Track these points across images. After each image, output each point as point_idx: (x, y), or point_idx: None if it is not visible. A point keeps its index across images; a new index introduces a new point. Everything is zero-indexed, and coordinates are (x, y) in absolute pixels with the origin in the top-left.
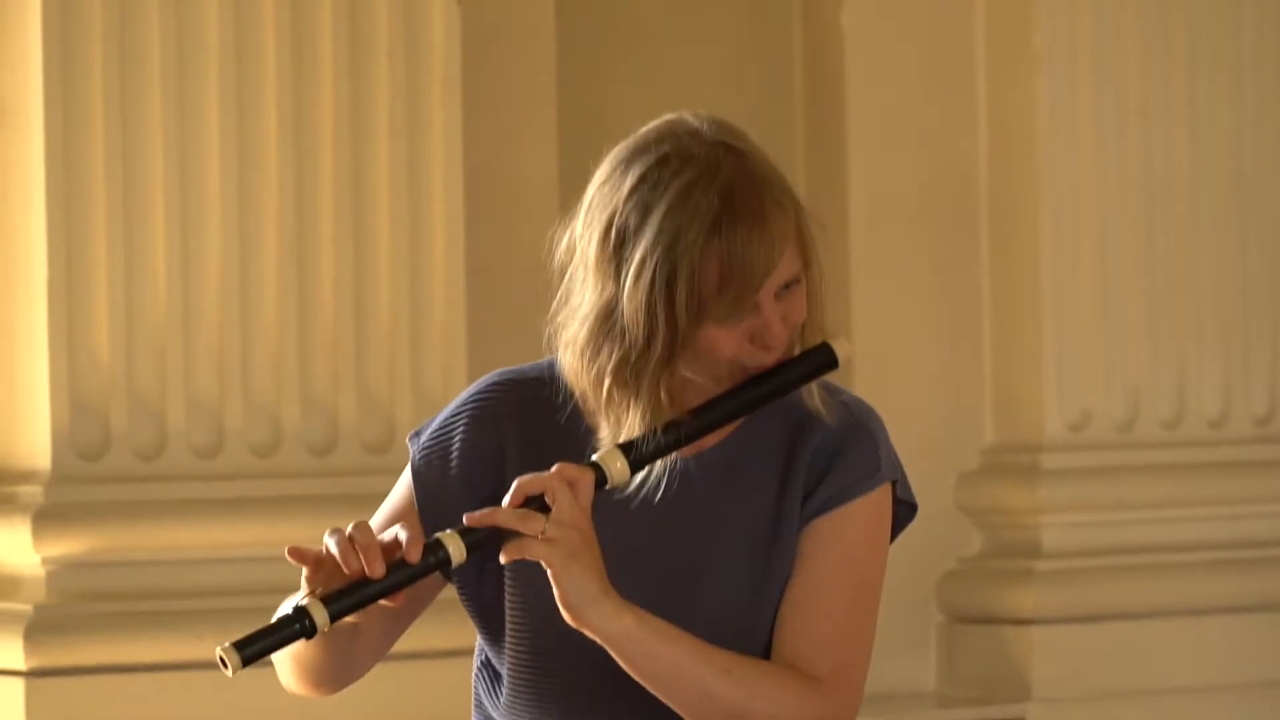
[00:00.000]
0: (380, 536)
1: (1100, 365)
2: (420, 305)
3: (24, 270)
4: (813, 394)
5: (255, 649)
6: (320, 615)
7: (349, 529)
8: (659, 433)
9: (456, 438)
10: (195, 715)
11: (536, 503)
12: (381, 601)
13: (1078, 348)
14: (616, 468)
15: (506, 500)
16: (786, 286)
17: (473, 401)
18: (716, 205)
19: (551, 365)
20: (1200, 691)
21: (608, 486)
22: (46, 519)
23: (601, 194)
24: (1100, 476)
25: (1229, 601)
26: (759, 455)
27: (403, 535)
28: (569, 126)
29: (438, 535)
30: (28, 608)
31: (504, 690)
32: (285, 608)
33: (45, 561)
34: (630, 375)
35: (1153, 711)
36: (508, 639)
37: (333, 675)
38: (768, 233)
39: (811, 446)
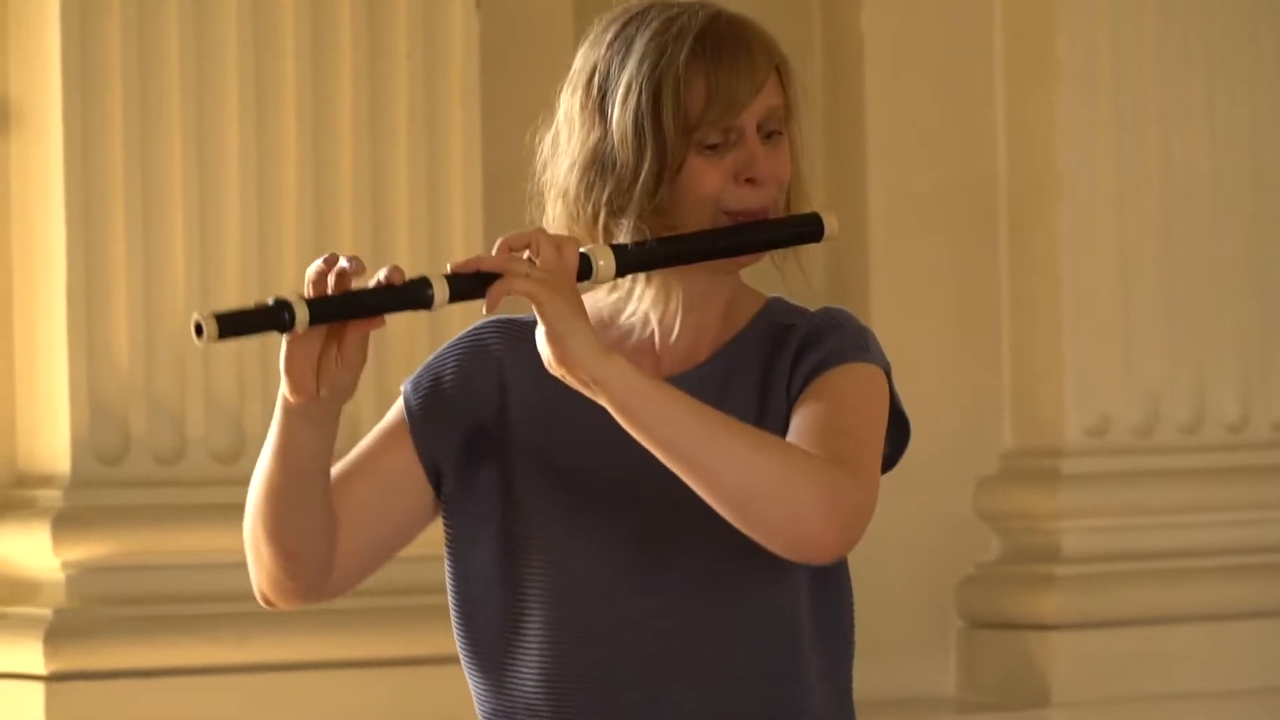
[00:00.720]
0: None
1: (1119, 370)
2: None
3: (43, 274)
4: (785, 308)
5: (235, 324)
6: (301, 311)
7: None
8: (650, 246)
9: (449, 368)
10: (214, 719)
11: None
12: (359, 328)
13: (1097, 353)
14: (601, 264)
15: (494, 252)
16: (768, 134)
17: (468, 337)
18: (700, 26)
19: None
20: (1220, 696)
21: (592, 278)
22: (66, 523)
23: (582, 56)
24: (1120, 481)
25: (1249, 606)
26: (744, 365)
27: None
28: None
29: (425, 274)
30: (47, 612)
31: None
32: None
33: (65, 565)
34: (623, 201)
35: (1172, 716)
36: (537, 611)
37: (304, 543)
38: (750, 58)
39: (793, 341)
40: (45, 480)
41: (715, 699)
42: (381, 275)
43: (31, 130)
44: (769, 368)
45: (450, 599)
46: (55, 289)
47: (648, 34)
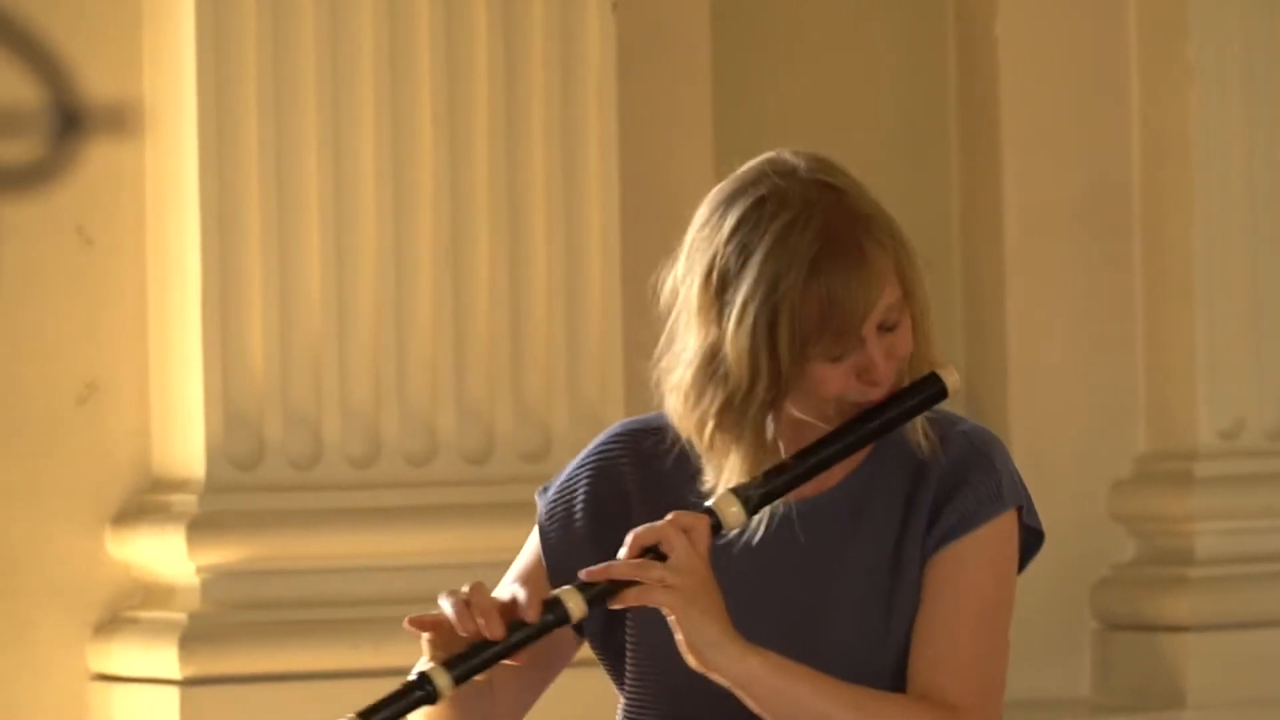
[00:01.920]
0: (501, 594)
1: (1252, 373)
2: (576, 314)
3: (178, 279)
4: (921, 433)
5: (379, 717)
6: (442, 680)
7: (465, 589)
8: (772, 476)
9: (580, 491)
10: None
11: (653, 553)
12: (505, 661)
13: (1230, 355)
14: (731, 512)
15: (623, 553)
16: (889, 323)
17: (596, 454)
18: (815, 246)
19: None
20: None
21: (723, 532)
22: (201, 528)
23: (701, 236)
24: (1253, 484)
25: None
26: (881, 495)
27: (521, 594)
28: (724, 134)
29: (556, 592)
30: (183, 616)
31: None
32: (412, 675)
33: (200, 570)
34: (734, 418)
35: None
36: (628, 684)
37: None
38: (866, 271)
39: (933, 481)
40: (180, 485)
41: None
42: (511, 594)
43: (166, 134)
44: (910, 506)
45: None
46: (190, 294)
47: (763, 248)
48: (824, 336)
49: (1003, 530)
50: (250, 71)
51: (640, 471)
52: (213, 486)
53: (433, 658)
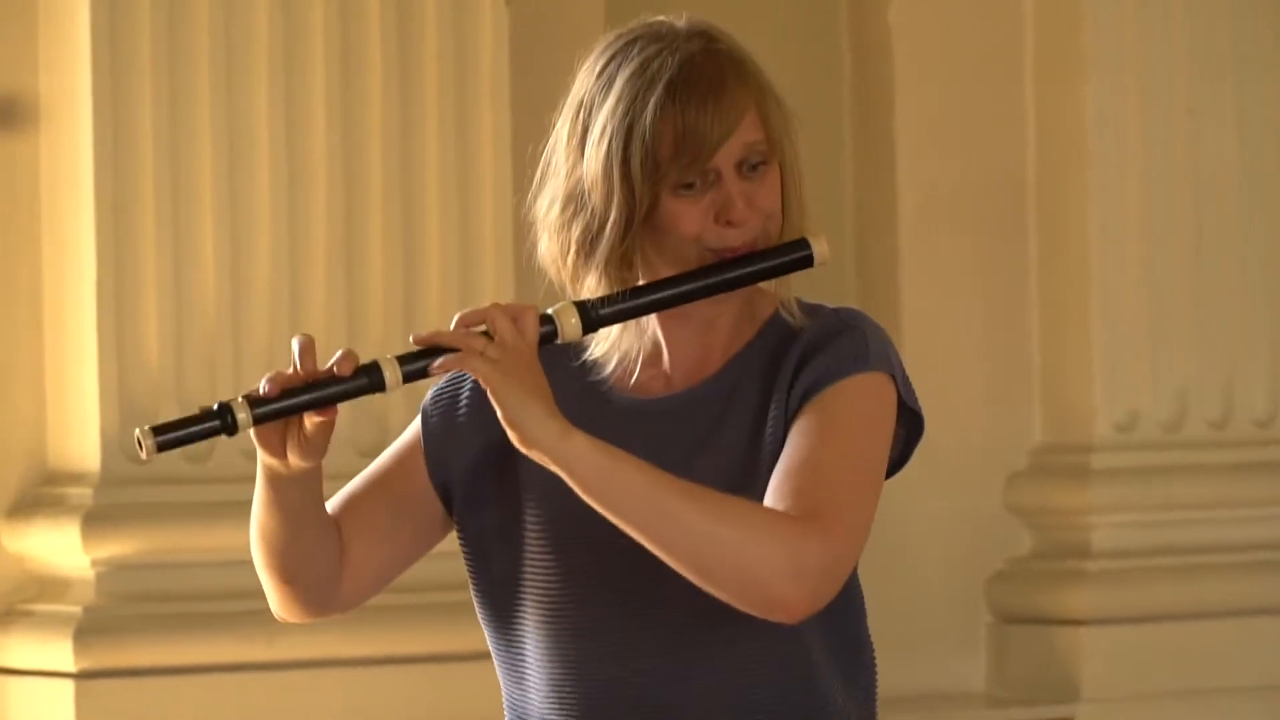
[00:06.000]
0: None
1: (1148, 365)
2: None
3: (73, 271)
4: (793, 312)
5: (172, 436)
6: (244, 413)
7: (295, 341)
8: (616, 300)
9: (467, 384)
10: (244, 717)
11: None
12: (314, 417)
13: (1126, 348)
14: (570, 323)
15: (451, 327)
16: (752, 166)
17: None
18: (673, 70)
19: None
20: (1250, 691)
21: (559, 340)
22: (96, 521)
23: (577, 82)
24: (1149, 476)
25: (1279, 601)
26: (748, 384)
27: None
28: None
29: (376, 358)
30: (77, 609)
31: (523, 649)
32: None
33: (95, 563)
34: (592, 245)
35: (1202, 712)
36: (529, 572)
37: (303, 573)
38: (723, 99)
39: (798, 346)
40: (75, 478)
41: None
42: (333, 361)
43: (61, 127)
44: (769, 384)
45: (474, 601)
46: (85, 286)
47: (626, 74)
48: (677, 161)
49: (872, 385)
50: (145, 65)
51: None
52: (108, 479)
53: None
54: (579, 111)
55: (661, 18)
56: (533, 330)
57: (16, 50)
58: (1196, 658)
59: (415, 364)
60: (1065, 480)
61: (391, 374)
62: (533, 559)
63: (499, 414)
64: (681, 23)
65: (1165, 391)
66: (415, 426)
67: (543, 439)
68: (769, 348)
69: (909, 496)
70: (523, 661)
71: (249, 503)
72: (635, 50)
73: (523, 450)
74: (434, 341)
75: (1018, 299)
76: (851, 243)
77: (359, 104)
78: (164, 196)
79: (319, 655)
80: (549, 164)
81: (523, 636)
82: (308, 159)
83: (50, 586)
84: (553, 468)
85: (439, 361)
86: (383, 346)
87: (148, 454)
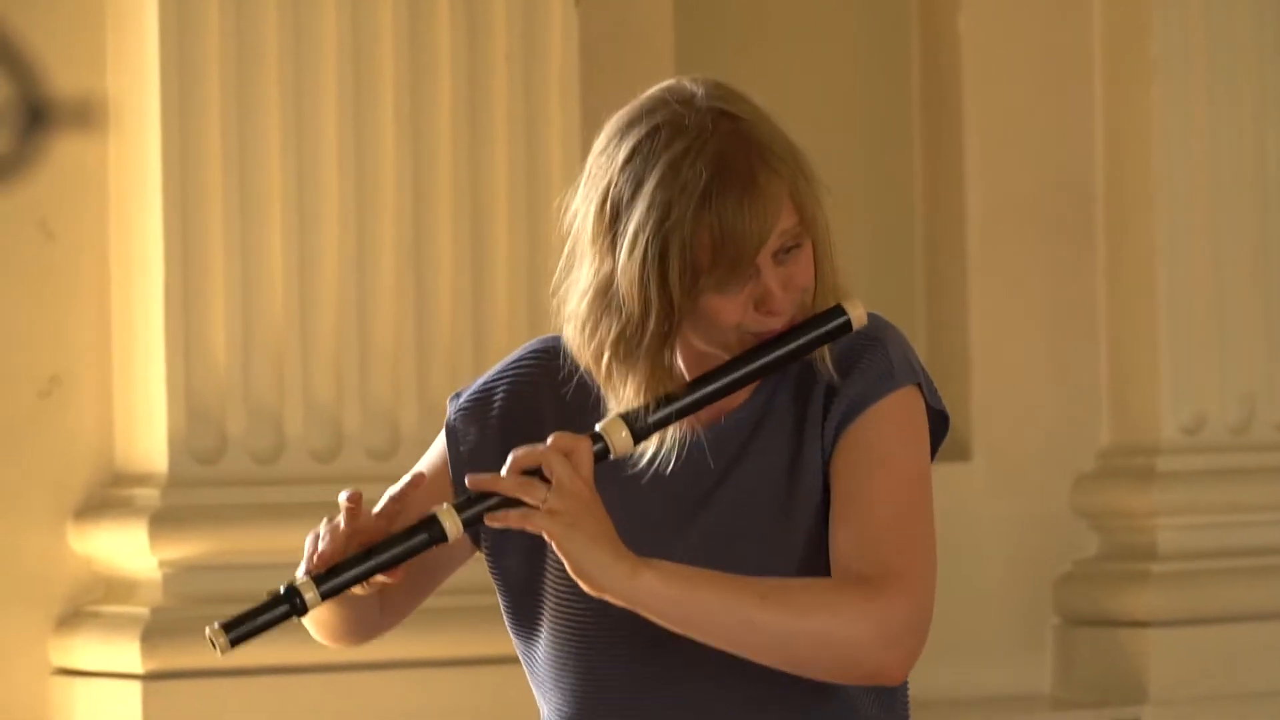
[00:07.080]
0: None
1: (1215, 368)
2: (538, 312)
3: (140, 274)
4: (825, 358)
5: (244, 629)
6: (310, 594)
7: (343, 497)
8: (663, 404)
9: (497, 400)
10: (310, 718)
11: (535, 477)
12: (379, 577)
13: (1192, 351)
14: (620, 437)
15: (504, 472)
16: (787, 250)
17: (513, 368)
18: (705, 176)
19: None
20: None
21: (611, 457)
22: (163, 522)
23: (598, 164)
24: (1215, 479)
25: None
26: (775, 414)
27: (406, 482)
28: None
29: (433, 510)
30: (144, 610)
31: (541, 657)
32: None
33: (162, 565)
34: (628, 349)
35: (1270, 714)
36: (550, 601)
37: (351, 634)
38: (758, 199)
39: (824, 374)
40: (142, 479)
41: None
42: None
43: (130, 129)
44: (802, 415)
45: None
46: (153, 288)
47: (655, 177)
48: (716, 268)
49: (903, 403)
50: (213, 67)
51: (554, 393)
52: (175, 480)
53: (308, 569)
54: (605, 204)
55: (676, 85)
56: (588, 466)
57: (86, 52)
58: (1263, 659)
59: (472, 510)
60: (1132, 482)
61: (451, 524)
62: (553, 566)
63: (566, 566)
64: (699, 91)
65: (1231, 394)
66: (441, 451)
67: (613, 586)
68: (794, 376)
69: (976, 499)
70: (542, 671)
71: (316, 504)
72: (660, 142)
73: (594, 595)
74: (491, 488)
75: (1085, 301)
76: (921, 246)
77: (428, 105)
78: (232, 198)
79: (383, 657)
80: (575, 249)
81: (540, 646)
82: (376, 160)
83: (117, 588)
84: (626, 605)
85: (500, 514)
86: (450, 349)
87: (222, 651)
